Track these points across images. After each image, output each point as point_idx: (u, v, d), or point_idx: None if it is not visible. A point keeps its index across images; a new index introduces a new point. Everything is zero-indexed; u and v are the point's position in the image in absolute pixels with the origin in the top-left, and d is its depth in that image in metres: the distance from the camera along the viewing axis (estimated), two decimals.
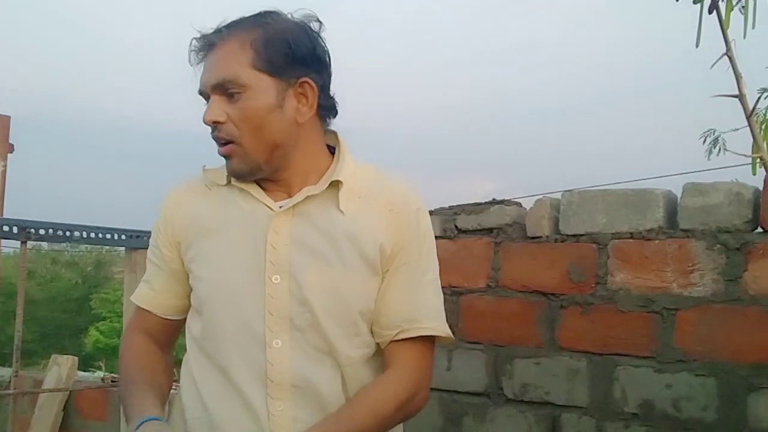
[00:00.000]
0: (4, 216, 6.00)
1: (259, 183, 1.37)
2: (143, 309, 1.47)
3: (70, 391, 3.26)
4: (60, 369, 3.33)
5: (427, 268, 1.39)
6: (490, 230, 2.18)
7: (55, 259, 24.97)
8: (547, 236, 2.07)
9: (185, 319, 1.47)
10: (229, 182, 1.38)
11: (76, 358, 3.44)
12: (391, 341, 1.34)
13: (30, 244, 3.09)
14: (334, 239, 1.32)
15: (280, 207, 1.34)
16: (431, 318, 1.36)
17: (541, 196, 2.15)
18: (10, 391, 3.03)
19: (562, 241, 2.05)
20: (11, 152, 7.20)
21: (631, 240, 1.95)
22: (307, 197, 1.33)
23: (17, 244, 3.18)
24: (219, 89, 1.30)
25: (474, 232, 2.21)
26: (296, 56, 1.31)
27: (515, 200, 2.22)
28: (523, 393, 2.05)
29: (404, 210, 1.37)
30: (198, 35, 1.35)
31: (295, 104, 1.33)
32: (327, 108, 1.38)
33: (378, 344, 1.36)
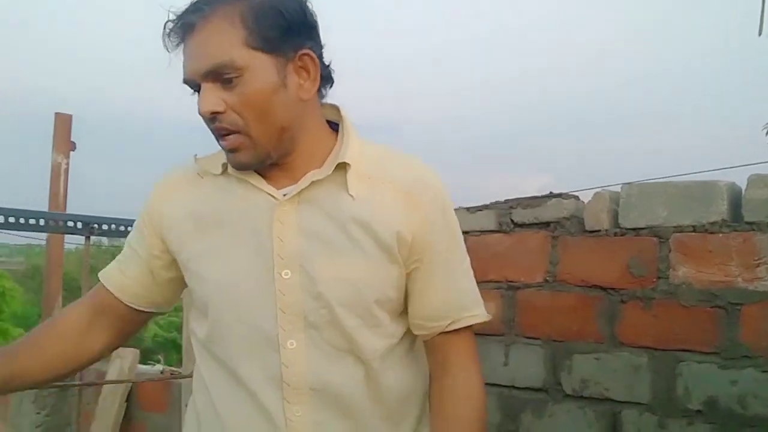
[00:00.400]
0: (67, 212, 6.15)
1: (256, 169, 1.24)
2: (105, 288, 1.37)
3: (132, 383, 3.33)
4: (122, 361, 3.41)
5: (463, 252, 1.32)
6: (547, 224, 2.16)
7: (115, 255, 25.38)
8: (606, 230, 2.04)
9: (147, 315, 1.39)
10: (225, 171, 1.26)
11: (138, 350, 3.51)
12: (441, 333, 1.28)
13: (90, 239, 3.17)
14: (344, 226, 1.21)
15: (284, 195, 1.22)
16: (477, 304, 1.31)
17: (599, 189, 2.11)
18: (76, 383, 3.12)
19: (622, 235, 2.01)
20: (73, 150, 7.39)
21: (693, 233, 1.90)
22: (313, 182, 1.21)
23: (79, 239, 3.26)
24: (211, 76, 1.16)
25: (530, 225, 2.19)
26: (291, 26, 1.18)
27: (573, 193, 2.19)
28: (583, 389, 2.03)
29: (424, 193, 1.25)
30: (172, 16, 1.19)
31: (297, 80, 1.20)
32: (325, 79, 1.25)
33: (403, 334, 1.29)
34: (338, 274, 1.20)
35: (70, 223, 3.18)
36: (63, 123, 6.98)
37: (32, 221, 3.11)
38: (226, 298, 1.24)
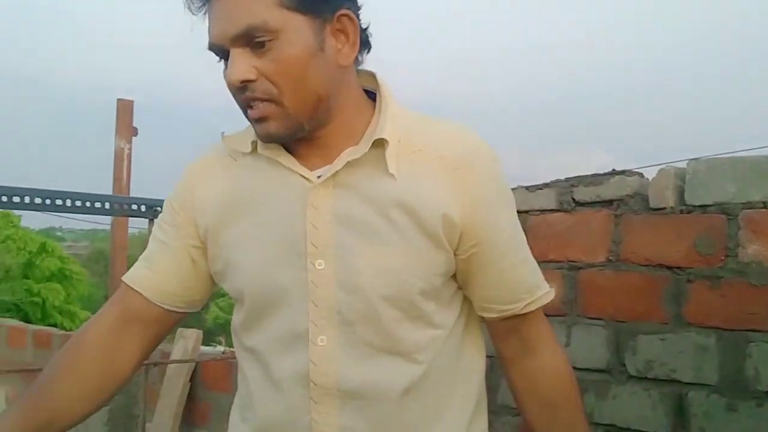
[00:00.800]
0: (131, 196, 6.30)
1: (288, 147, 1.14)
2: (132, 290, 1.23)
3: (196, 363, 3.40)
4: (186, 342, 3.48)
5: (521, 228, 1.22)
6: (609, 202, 2.11)
7: None
8: (672, 207, 1.98)
9: (180, 316, 1.27)
10: (254, 149, 1.16)
11: (201, 331, 3.58)
12: (515, 314, 1.20)
13: (154, 222, 3.22)
14: (384, 210, 1.10)
15: (319, 177, 1.12)
16: (544, 281, 1.24)
17: (663, 166, 2.06)
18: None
19: (688, 212, 1.95)
20: (135, 135, 7.57)
21: (764, 210, 1.83)
22: (349, 162, 1.10)
23: (142, 222, 3.33)
24: (242, 40, 1.05)
25: (592, 204, 2.14)
26: None
27: (636, 170, 2.14)
28: (648, 370, 1.98)
29: (474, 167, 1.13)
30: None
31: (335, 44, 1.09)
32: (363, 43, 1.14)
33: (453, 323, 1.20)
34: (378, 264, 1.10)
35: (135, 207, 3.25)
36: (125, 109, 7.15)
37: (98, 205, 3.19)
38: (258, 287, 1.15)
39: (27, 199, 3.11)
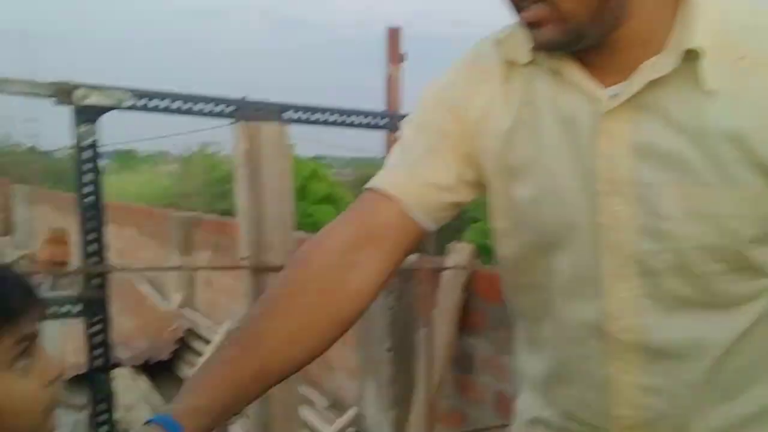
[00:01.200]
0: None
1: (575, 56, 0.95)
2: (386, 199, 1.01)
3: (470, 275, 3.53)
4: (458, 255, 3.62)
5: None
6: None
7: None
8: None
9: (422, 238, 1.06)
10: (534, 59, 0.98)
11: (473, 245, 3.69)
12: None
13: None
14: (701, 140, 0.88)
15: (613, 96, 0.92)
16: None
17: None
18: (420, 267, 3.37)
19: None
20: (403, 61, 7.86)
21: None
22: (651, 82, 0.89)
23: None
24: None
25: None
26: None
27: None
28: None
29: None
30: None
31: None
32: None
33: None
34: (694, 208, 0.90)
35: None
36: (393, 36, 7.42)
37: (380, 121, 3.39)
38: (539, 222, 1.00)
39: (319, 116, 3.31)
